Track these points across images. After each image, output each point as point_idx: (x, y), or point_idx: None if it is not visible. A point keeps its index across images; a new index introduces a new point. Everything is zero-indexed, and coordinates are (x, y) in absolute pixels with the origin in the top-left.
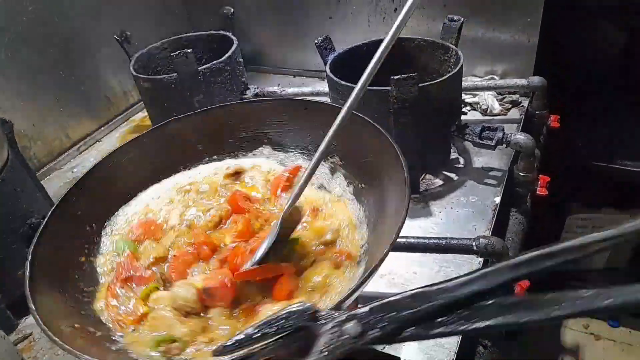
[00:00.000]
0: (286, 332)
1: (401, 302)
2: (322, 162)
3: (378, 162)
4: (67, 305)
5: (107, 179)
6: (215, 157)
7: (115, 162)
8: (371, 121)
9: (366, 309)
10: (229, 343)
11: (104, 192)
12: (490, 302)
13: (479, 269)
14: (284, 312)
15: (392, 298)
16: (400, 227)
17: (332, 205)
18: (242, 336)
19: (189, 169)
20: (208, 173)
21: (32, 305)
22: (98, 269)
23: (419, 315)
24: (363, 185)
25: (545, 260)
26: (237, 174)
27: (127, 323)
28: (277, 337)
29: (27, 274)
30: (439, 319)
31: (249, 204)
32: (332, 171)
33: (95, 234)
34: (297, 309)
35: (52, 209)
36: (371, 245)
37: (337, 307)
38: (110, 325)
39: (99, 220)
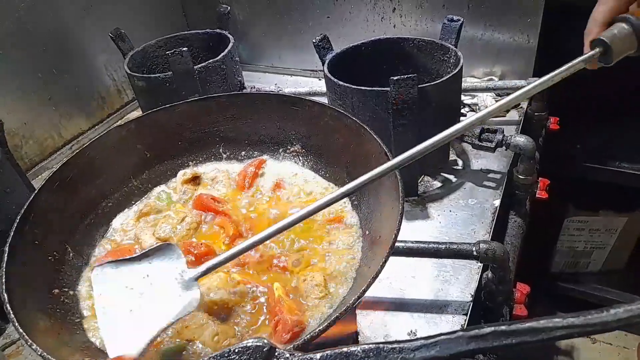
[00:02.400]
0: None
1: (354, 354)
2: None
3: (368, 170)
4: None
5: (56, 206)
6: (166, 162)
7: (59, 186)
8: (359, 122)
9: (318, 355)
10: None
11: (55, 221)
12: None
13: (436, 335)
14: (239, 346)
15: (345, 349)
16: (387, 257)
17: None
18: None
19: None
20: (158, 189)
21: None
22: (82, 303)
23: None
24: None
25: (505, 337)
26: (195, 179)
27: None
28: None
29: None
30: None
31: (218, 205)
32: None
33: (60, 263)
34: (252, 344)
35: (9, 242)
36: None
37: (301, 346)
38: None
39: (60, 250)
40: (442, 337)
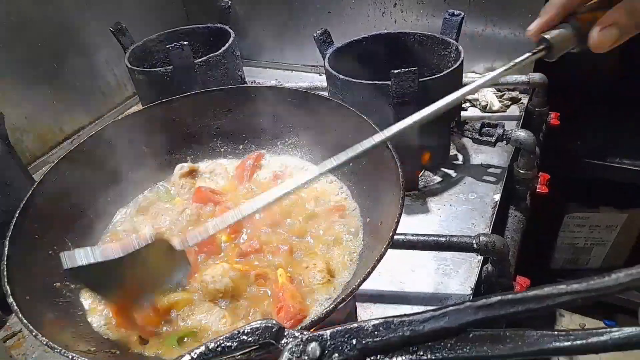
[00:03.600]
0: (248, 349)
1: (364, 329)
2: None
3: (372, 161)
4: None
5: (55, 200)
6: (164, 156)
7: (58, 181)
8: (363, 115)
9: (328, 332)
10: (186, 357)
11: (55, 215)
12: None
13: (445, 306)
14: (248, 327)
15: (355, 324)
16: (386, 249)
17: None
18: (202, 349)
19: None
20: (157, 183)
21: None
22: (84, 296)
23: (381, 344)
24: (355, 188)
25: (511, 305)
26: (192, 172)
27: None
28: (237, 352)
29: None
30: (401, 350)
31: (218, 197)
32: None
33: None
34: (261, 325)
35: (9, 236)
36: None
37: (308, 327)
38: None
39: (59, 244)
40: (451, 308)
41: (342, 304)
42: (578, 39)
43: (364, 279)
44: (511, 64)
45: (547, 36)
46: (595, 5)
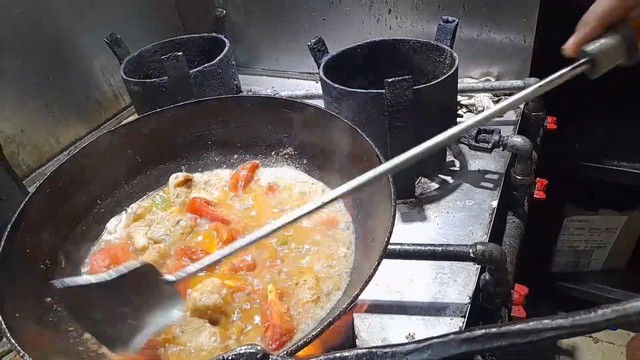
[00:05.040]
0: None
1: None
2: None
3: (361, 172)
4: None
5: (47, 214)
6: (158, 166)
7: (51, 193)
8: (356, 127)
9: None
10: None
11: (47, 228)
12: None
13: (428, 338)
14: (232, 353)
15: (338, 354)
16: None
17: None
18: None
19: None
20: (151, 193)
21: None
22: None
23: None
24: (349, 201)
25: (496, 339)
26: (187, 182)
27: None
28: None
29: None
30: None
31: (212, 208)
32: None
33: (52, 272)
34: (246, 351)
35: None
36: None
37: (292, 352)
38: None
39: (51, 258)
40: (435, 340)
41: (329, 327)
42: (627, 49)
43: (352, 302)
44: (545, 80)
45: (588, 49)
46: None
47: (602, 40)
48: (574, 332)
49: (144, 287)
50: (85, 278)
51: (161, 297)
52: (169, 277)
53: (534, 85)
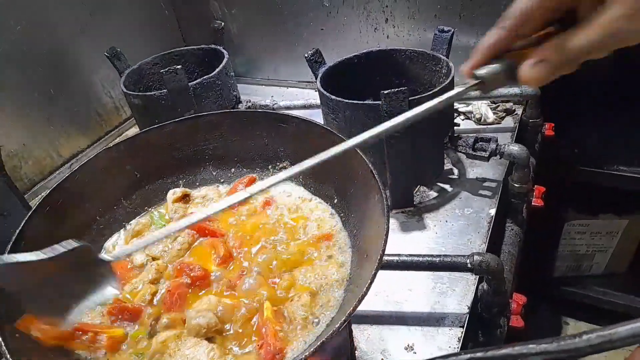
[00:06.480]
0: None
1: None
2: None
3: (360, 190)
4: None
5: (46, 231)
6: (156, 182)
7: (49, 211)
8: (345, 139)
9: None
10: None
11: (46, 246)
12: None
13: None
14: None
15: None
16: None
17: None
18: None
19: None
20: (149, 209)
21: None
22: None
23: None
24: (345, 216)
25: None
26: (185, 197)
27: None
28: None
29: None
30: None
31: (210, 224)
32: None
33: None
34: None
35: None
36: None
37: None
38: None
39: None
40: None
41: (322, 347)
42: (509, 74)
43: (346, 320)
44: (446, 96)
45: (477, 72)
46: (526, 43)
47: (489, 67)
48: (559, 357)
49: (80, 266)
50: (21, 255)
51: (97, 277)
52: (105, 256)
53: (435, 100)
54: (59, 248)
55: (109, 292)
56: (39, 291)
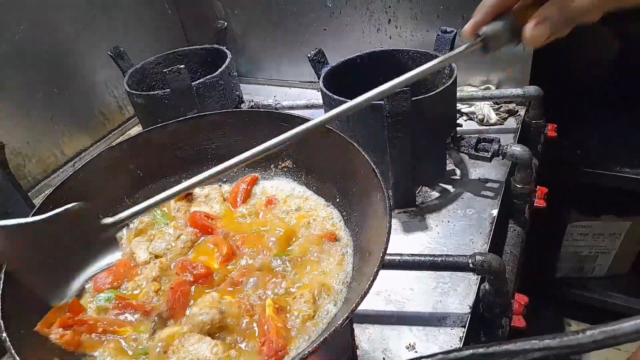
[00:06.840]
0: None
1: None
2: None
3: (362, 189)
4: None
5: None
6: (159, 181)
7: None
8: (353, 142)
9: None
10: None
11: None
12: None
13: (417, 358)
14: None
15: None
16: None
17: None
18: None
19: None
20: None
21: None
22: None
23: None
24: (347, 215)
25: (483, 359)
26: (188, 195)
27: None
28: None
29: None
30: None
31: (213, 223)
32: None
33: None
34: None
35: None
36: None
37: None
38: None
39: None
40: (423, 359)
41: (324, 344)
42: (512, 34)
43: (348, 317)
44: (448, 55)
45: (481, 31)
46: (529, 2)
47: (492, 25)
48: (561, 353)
49: (79, 229)
50: (15, 220)
51: (98, 242)
52: (106, 219)
53: (435, 61)
54: (55, 210)
55: (112, 255)
56: (39, 262)
